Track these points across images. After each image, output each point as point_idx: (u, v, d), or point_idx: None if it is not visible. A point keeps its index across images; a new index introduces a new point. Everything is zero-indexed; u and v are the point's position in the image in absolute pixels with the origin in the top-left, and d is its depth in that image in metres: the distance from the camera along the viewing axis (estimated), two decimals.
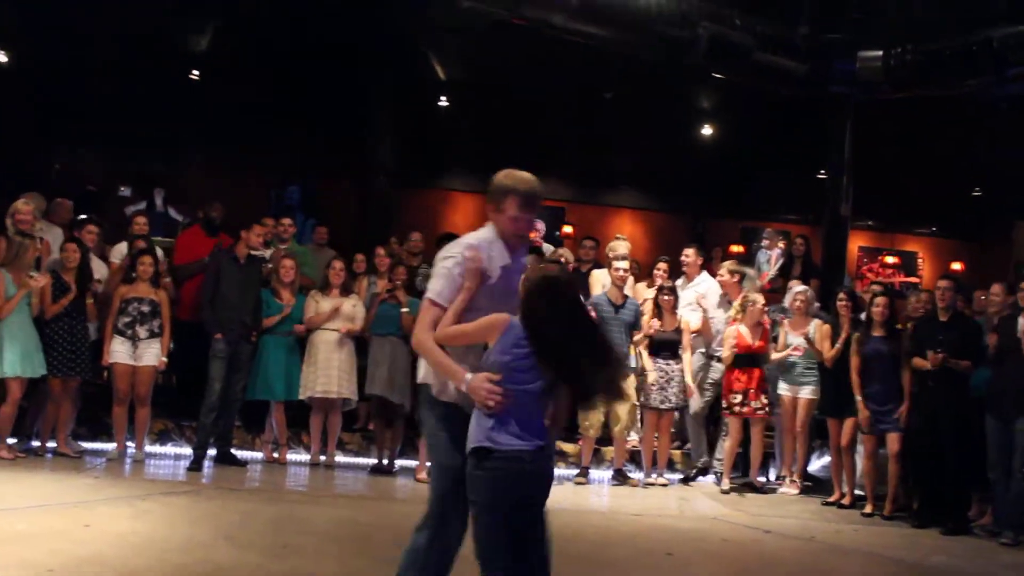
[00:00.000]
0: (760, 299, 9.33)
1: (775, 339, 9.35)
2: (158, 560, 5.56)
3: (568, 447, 9.73)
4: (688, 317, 9.43)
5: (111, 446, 8.90)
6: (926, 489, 8.46)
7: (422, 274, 10.17)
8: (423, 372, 4.20)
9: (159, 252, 9.28)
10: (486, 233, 4.20)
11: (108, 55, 11.81)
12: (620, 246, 9.71)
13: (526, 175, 4.18)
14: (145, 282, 8.70)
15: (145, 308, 8.65)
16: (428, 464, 8.64)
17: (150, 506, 6.96)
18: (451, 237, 13.05)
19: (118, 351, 8.58)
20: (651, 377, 9.07)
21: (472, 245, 4.11)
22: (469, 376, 3.83)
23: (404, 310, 8.88)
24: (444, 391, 4.07)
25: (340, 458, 9.35)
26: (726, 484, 9.23)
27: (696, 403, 9.49)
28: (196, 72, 12.84)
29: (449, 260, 4.08)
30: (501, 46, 11.48)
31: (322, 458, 9.23)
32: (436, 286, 4.06)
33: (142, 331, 8.61)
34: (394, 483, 8.78)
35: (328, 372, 9.03)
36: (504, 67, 12.44)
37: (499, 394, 3.74)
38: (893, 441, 8.47)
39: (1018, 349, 7.72)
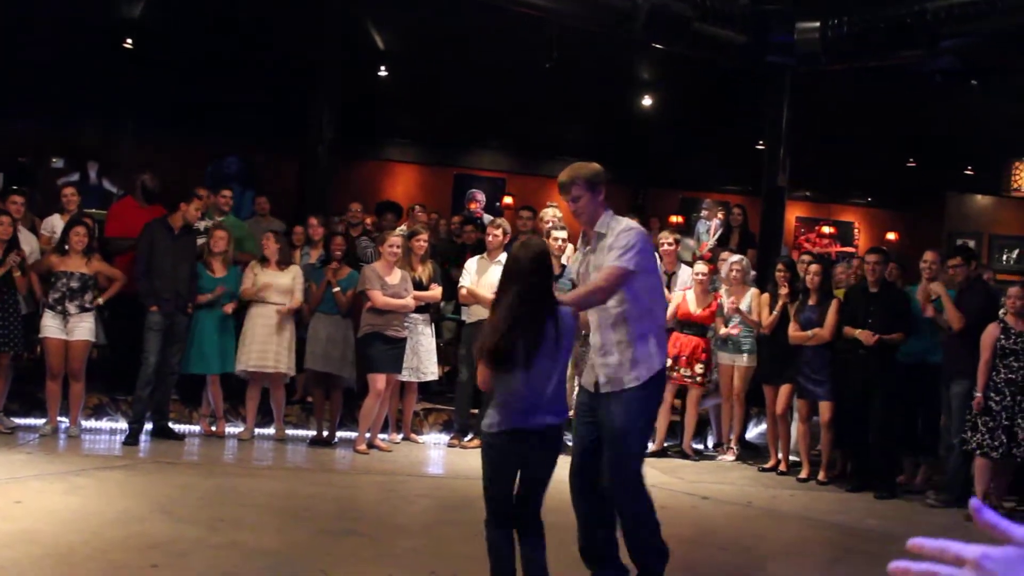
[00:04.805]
0: (704, 268, 9.41)
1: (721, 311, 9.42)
2: (92, 535, 5.49)
3: None
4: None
5: (44, 421, 8.75)
6: (858, 455, 8.65)
7: (364, 244, 10.14)
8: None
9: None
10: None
11: (39, 22, 11.51)
12: (553, 214, 9.62)
13: None
14: (77, 255, 8.54)
15: (75, 284, 8.46)
16: (379, 436, 8.69)
17: (85, 481, 6.87)
18: (391, 206, 12.99)
19: (49, 326, 8.40)
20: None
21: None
22: None
23: (335, 289, 8.85)
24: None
25: (273, 431, 9.27)
26: (652, 447, 9.34)
27: None
28: (130, 41, 12.57)
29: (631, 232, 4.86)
30: (440, 16, 11.39)
31: (266, 431, 9.17)
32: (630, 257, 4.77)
33: (72, 307, 8.43)
34: (333, 455, 8.74)
35: (265, 346, 8.89)
36: (443, 37, 12.35)
37: None
38: (825, 409, 8.63)
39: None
